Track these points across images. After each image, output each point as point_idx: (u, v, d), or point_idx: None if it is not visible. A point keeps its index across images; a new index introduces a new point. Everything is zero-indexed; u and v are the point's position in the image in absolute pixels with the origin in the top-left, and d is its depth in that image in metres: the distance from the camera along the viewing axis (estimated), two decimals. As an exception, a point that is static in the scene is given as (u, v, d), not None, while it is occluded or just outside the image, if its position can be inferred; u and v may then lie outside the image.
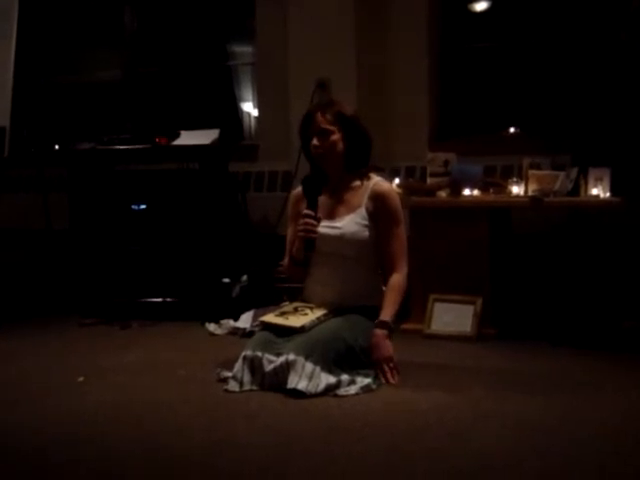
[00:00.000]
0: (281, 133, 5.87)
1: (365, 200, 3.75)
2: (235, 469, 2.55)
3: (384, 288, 3.79)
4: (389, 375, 3.55)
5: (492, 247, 4.70)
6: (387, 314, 3.66)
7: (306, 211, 3.67)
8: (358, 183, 3.80)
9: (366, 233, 3.71)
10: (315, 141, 3.71)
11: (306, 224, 3.63)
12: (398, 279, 3.72)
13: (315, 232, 3.64)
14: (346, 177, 3.80)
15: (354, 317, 3.64)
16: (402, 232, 3.77)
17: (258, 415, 3.10)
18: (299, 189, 3.89)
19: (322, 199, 3.72)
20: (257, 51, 6.58)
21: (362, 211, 3.73)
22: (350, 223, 3.72)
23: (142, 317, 5.18)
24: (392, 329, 3.68)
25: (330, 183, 3.77)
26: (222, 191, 5.64)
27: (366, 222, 3.72)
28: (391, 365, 3.58)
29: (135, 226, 5.51)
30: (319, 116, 3.71)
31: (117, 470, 2.58)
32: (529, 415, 3.08)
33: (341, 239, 3.70)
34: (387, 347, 3.61)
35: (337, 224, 3.72)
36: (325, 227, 3.69)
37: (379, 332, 3.61)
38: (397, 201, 3.80)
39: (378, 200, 3.74)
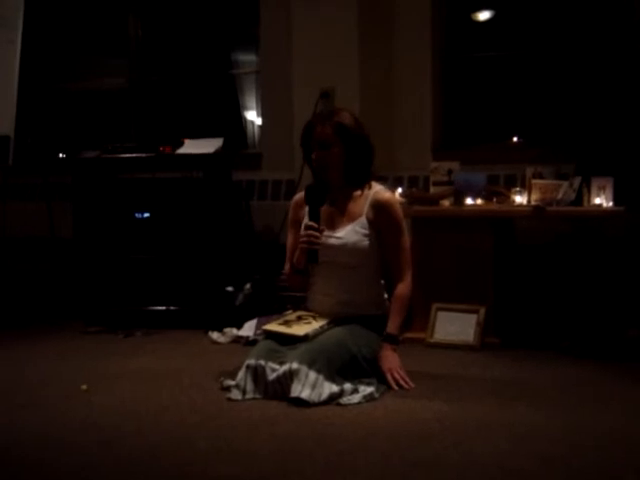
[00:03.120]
0: (284, 142, 5.88)
1: (366, 209, 3.75)
2: (236, 477, 2.55)
3: (386, 296, 3.83)
4: (402, 382, 3.59)
5: (495, 256, 4.70)
6: (393, 327, 3.72)
7: (309, 223, 3.67)
8: (359, 192, 3.79)
9: (366, 242, 3.71)
10: (315, 154, 3.72)
11: (309, 236, 3.63)
12: (403, 289, 3.75)
13: (318, 244, 3.64)
14: (347, 187, 3.80)
15: (356, 328, 3.65)
16: (405, 241, 3.78)
17: (260, 424, 3.10)
18: (300, 194, 3.90)
19: (323, 209, 3.72)
20: (261, 60, 6.60)
21: (362, 220, 3.73)
22: (351, 233, 3.72)
23: (146, 325, 5.20)
24: (398, 341, 3.74)
25: (331, 193, 3.76)
26: (226, 199, 5.65)
27: (366, 231, 3.72)
28: (401, 373, 3.62)
29: (139, 234, 5.51)
30: (319, 128, 3.70)
31: (118, 477, 2.58)
32: (532, 424, 3.07)
33: (342, 249, 3.70)
34: (394, 359, 3.66)
35: (338, 234, 3.72)
36: (326, 237, 3.69)
37: (386, 345, 3.67)
38: (399, 210, 3.80)
39: (380, 209, 3.74)
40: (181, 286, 5.37)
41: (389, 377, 3.59)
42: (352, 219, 3.75)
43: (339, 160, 3.71)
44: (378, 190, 3.80)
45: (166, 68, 7.23)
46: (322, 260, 3.68)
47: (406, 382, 3.61)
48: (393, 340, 3.70)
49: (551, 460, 2.66)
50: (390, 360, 3.65)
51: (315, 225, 3.65)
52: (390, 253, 3.77)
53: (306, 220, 3.73)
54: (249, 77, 7.19)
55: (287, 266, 3.87)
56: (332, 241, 3.71)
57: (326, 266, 3.72)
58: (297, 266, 3.76)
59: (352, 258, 3.72)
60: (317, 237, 3.63)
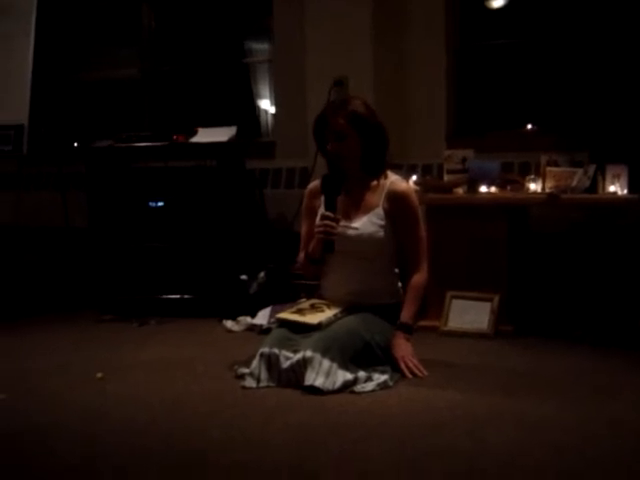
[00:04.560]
0: (298, 130, 5.87)
1: (382, 200, 3.73)
2: (250, 465, 2.56)
3: (400, 284, 3.82)
4: (415, 370, 3.59)
5: (509, 244, 4.69)
6: (407, 315, 3.72)
7: (325, 213, 3.66)
8: (375, 182, 3.78)
9: (381, 233, 3.71)
10: (330, 145, 3.71)
11: (326, 226, 3.62)
12: (419, 279, 3.75)
13: (334, 234, 3.63)
14: (363, 177, 3.79)
15: (369, 317, 3.65)
16: (421, 231, 3.78)
17: (274, 412, 3.10)
18: (315, 183, 3.88)
19: (339, 199, 3.69)
20: (274, 48, 6.58)
21: (379, 211, 3.72)
22: (367, 224, 3.71)
23: (160, 314, 5.21)
24: (412, 330, 3.73)
25: (347, 183, 3.74)
26: (239, 188, 5.65)
27: (382, 222, 3.71)
28: (414, 361, 3.62)
29: (153, 223, 5.52)
30: (333, 119, 3.67)
31: (132, 466, 2.59)
32: (545, 413, 3.06)
33: (358, 240, 3.69)
34: (407, 347, 3.66)
35: (354, 224, 3.71)
36: (342, 227, 3.68)
37: (399, 333, 3.67)
38: (416, 201, 3.80)
39: (396, 200, 3.73)
40: (195, 274, 5.38)
41: (402, 365, 3.59)
42: (368, 210, 3.74)
43: (355, 150, 3.70)
44: (394, 180, 3.79)
45: (179, 57, 7.23)
46: (337, 250, 3.66)
47: (420, 370, 3.61)
48: (406, 329, 3.70)
49: (564, 449, 2.66)
50: (402, 348, 3.64)
51: (332, 215, 3.64)
52: (406, 243, 3.76)
53: (322, 210, 3.72)
54: (262, 66, 7.18)
55: (301, 254, 3.87)
56: (348, 232, 3.70)
57: (341, 256, 3.71)
58: (313, 255, 3.75)
59: (368, 248, 3.71)
60: (334, 227, 3.62)
